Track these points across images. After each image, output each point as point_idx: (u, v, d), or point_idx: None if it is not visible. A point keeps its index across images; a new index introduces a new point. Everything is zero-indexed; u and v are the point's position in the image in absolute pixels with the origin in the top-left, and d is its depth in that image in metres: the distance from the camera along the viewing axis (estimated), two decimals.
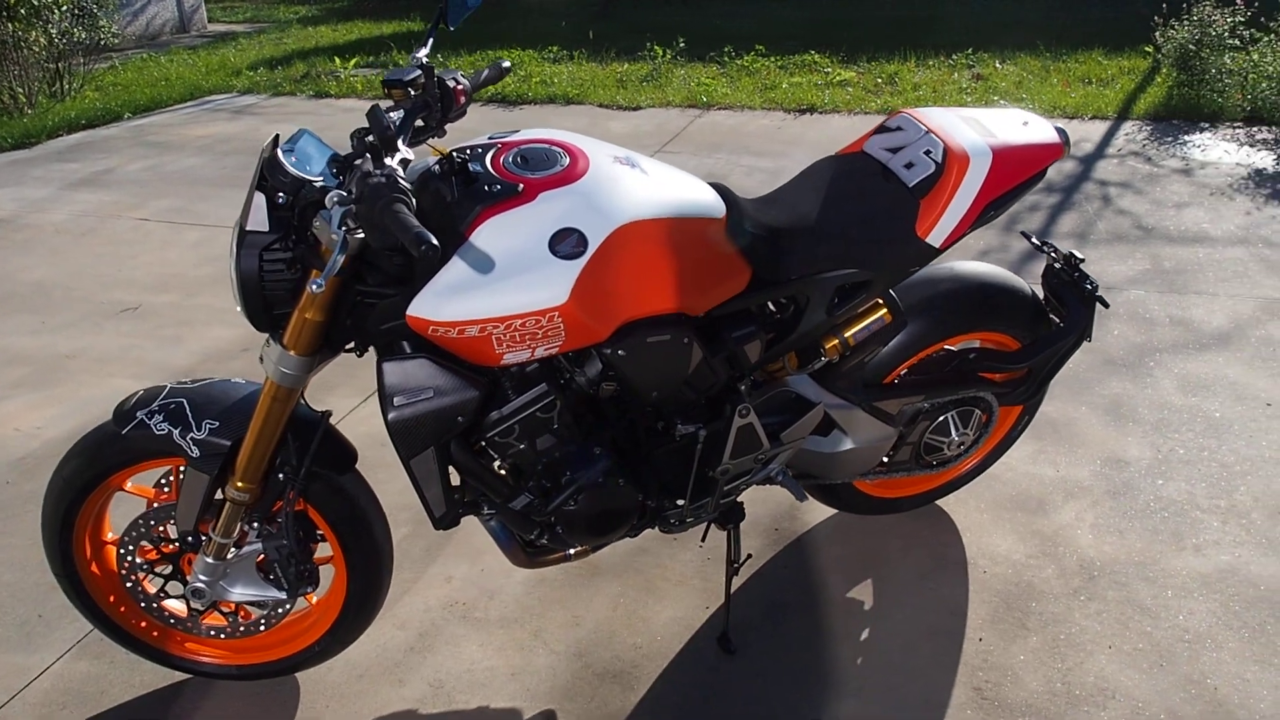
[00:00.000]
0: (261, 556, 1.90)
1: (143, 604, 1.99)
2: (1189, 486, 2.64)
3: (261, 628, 2.02)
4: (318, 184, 1.58)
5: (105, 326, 3.86)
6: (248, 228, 1.60)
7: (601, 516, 1.92)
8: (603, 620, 2.26)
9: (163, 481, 1.94)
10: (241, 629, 2.01)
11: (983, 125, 2.03)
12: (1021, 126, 2.06)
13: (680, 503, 2.07)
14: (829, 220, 1.94)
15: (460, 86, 1.85)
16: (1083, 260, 2.28)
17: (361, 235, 1.54)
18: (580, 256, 1.63)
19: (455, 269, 1.60)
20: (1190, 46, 6.00)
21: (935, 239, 1.96)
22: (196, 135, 6.86)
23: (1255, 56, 6.02)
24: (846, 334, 2.04)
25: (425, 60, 1.81)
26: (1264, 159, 5.28)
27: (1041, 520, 2.54)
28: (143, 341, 3.72)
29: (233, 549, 1.87)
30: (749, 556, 2.18)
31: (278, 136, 1.64)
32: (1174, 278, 3.92)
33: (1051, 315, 2.31)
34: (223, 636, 2.03)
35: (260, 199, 1.60)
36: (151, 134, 6.97)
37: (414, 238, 1.31)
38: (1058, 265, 2.30)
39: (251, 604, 1.94)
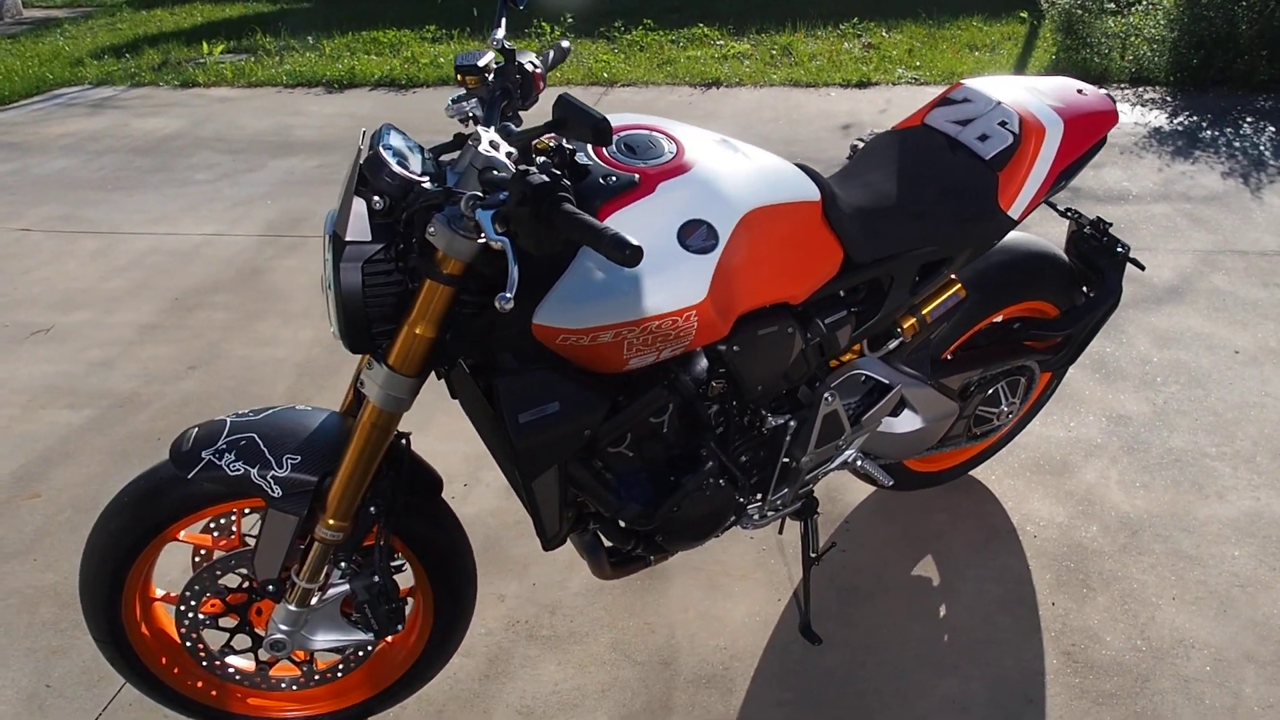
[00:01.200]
0: (347, 598, 1.72)
1: (204, 662, 1.78)
2: (1193, 437, 2.76)
3: (339, 673, 1.84)
4: (425, 185, 1.42)
5: (18, 353, 3.46)
6: (347, 238, 1.43)
7: (705, 520, 1.85)
8: (678, 624, 2.17)
9: (213, 526, 1.74)
10: (316, 677, 1.83)
11: (1045, 94, 2.03)
12: (1077, 94, 2.07)
13: (760, 497, 2.01)
14: (912, 198, 1.90)
15: (538, 71, 1.71)
16: (1110, 224, 2.32)
17: (477, 241, 1.39)
18: (713, 250, 1.53)
19: (581, 271, 1.48)
20: (1076, 10, 6.28)
21: (1015, 211, 1.96)
22: (57, 133, 6.26)
23: (1134, 20, 6.35)
24: (924, 312, 2.01)
25: (506, 43, 1.66)
26: (1158, 118, 5.58)
27: (1070, 481, 2.60)
28: (68, 367, 3.36)
29: (317, 593, 1.69)
30: (833, 545, 2.14)
31: (366, 133, 1.46)
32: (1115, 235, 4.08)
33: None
34: (295, 688, 1.84)
35: (360, 205, 1.43)
36: (3, 134, 6.32)
37: (611, 241, 1.17)
38: (1086, 230, 2.33)
39: (333, 650, 1.76)
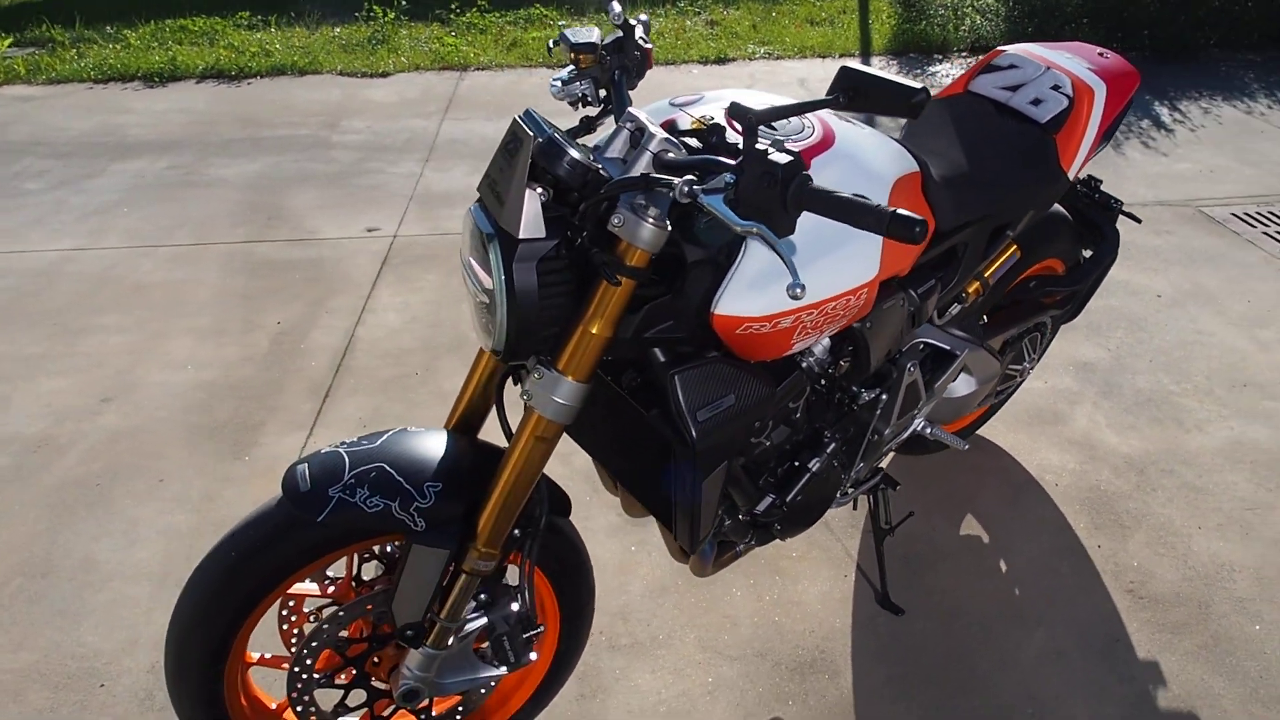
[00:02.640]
0: (481, 632, 1.56)
1: None
2: (1154, 377, 2.96)
3: (458, 716, 1.67)
4: (603, 172, 1.28)
5: None
6: (521, 236, 1.27)
7: (821, 502, 1.81)
8: (757, 613, 2.12)
9: None
10: None
11: (1078, 58, 2.09)
12: (1100, 58, 2.14)
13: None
14: (985, 165, 1.92)
15: (650, 47, 1.59)
16: (1101, 181, 2.44)
17: (666, 229, 1.28)
18: None
19: (760, 257, 1.39)
20: None
21: (1072, 172, 2.01)
22: None
23: None
24: (986, 275, 2.04)
25: (625, 18, 1.54)
26: None
27: (1066, 429, 2.72)
28: None
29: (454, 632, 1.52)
30: (910, 514, 2.15)
31: (521, 122, 1.30)
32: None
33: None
34: None
35: (533, 198, 1.27)
36: None
37: (895, 220, 1.08)
38: (1079, 188, 2.44)
39: (464, 690, 1.60)
